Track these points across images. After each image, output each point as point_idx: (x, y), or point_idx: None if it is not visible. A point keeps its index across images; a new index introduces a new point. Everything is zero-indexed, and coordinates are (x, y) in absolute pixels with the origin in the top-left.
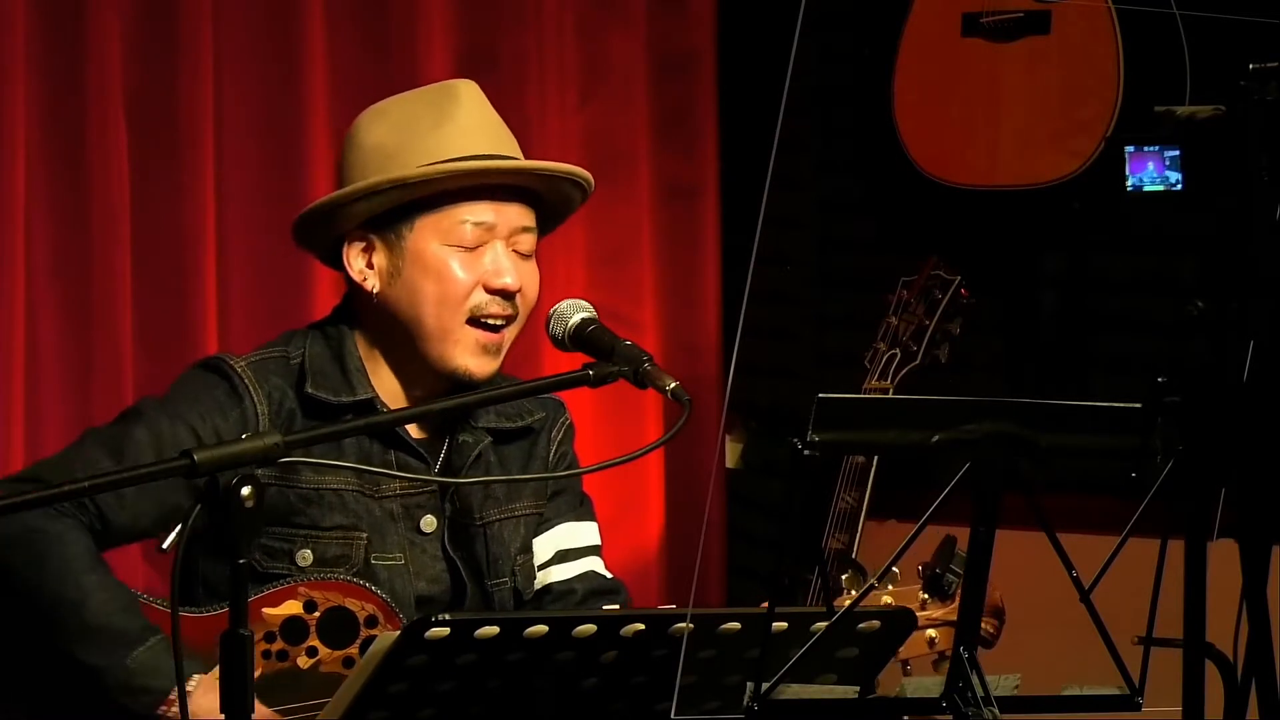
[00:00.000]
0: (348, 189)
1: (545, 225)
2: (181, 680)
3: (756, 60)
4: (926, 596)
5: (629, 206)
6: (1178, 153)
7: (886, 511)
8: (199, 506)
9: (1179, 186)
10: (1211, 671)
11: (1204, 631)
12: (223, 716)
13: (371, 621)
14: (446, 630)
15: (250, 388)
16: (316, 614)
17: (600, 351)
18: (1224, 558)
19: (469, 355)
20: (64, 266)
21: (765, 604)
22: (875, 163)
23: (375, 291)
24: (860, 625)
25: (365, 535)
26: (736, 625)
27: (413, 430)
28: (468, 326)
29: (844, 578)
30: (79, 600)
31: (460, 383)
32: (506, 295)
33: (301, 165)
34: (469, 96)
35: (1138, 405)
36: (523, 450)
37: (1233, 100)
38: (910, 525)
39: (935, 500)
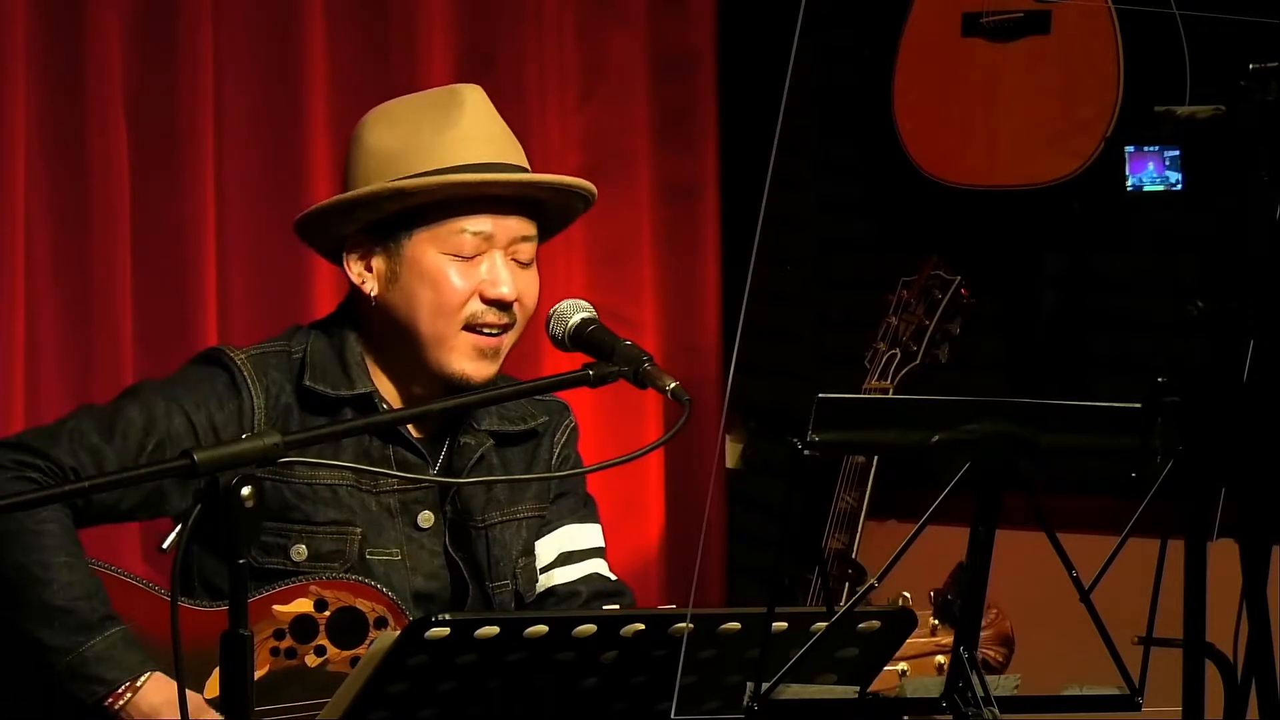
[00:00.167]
0: (346, 195)
1: (547, 232)
2: (182, 681)
3: (756, 60)
4: (937, 623)
5: (629, 206)
6: (1178, 153)
7: (886, 511)
8: (199, 506)
9: (1179, 186)
10: (1211, 671)
11: (1204, 631)
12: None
13: (381, 623)
14: (447, 630)
15: (249, 381)
16: (326, 613)
17: (600, 351)
18: (1224, 558)
19: (466, 360)
20: (64, 265)
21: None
22: (875, 163)
23: (374, 295)
24: (860, 625)
25: (359, 530)
26: (736, 625)
27: (413, 430)
28: (464, 333)
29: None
30: (45, 579)
31: (458, 386)
32: (503, 305)
33: (301, 164)
34: (474, 103)
35: (1138, 405)
36: (525, 453)
37: (1233, 100)
38: (910, 525)
39: (935, 500)
